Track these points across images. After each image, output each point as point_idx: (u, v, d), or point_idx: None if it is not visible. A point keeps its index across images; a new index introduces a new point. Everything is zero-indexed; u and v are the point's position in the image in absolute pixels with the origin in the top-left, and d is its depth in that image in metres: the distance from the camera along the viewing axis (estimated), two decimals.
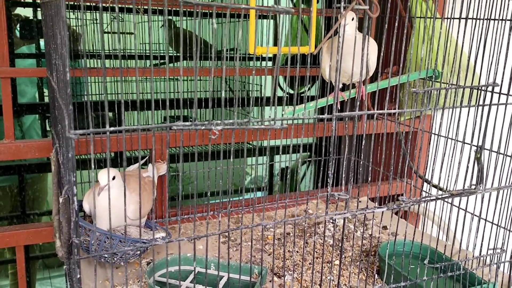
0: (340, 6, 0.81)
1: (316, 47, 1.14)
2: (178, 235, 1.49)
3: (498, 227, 1.23)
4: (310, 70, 1.81)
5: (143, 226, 1.40)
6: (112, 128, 0.72)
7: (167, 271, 1.24)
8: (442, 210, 1.31)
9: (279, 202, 1.83)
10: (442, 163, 1.12)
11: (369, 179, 1.18)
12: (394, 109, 1.91)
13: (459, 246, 1.49)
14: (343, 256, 1.44)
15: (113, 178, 1.20)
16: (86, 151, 1.34)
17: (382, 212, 1.07)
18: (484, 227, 1.21)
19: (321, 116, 0.87)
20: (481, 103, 1.05)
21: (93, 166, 0.72)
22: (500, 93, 1.17)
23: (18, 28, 2.59)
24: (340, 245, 1.51)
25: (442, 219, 1.79)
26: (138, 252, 1.25)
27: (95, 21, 2.47)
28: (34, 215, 2.22)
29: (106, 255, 1.21)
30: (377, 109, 1.88)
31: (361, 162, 1.67)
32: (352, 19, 1.27)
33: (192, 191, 2.73)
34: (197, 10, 0.74)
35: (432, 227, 1.91)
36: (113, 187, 1.18)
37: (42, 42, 2.73)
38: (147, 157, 1.57)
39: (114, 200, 0.94)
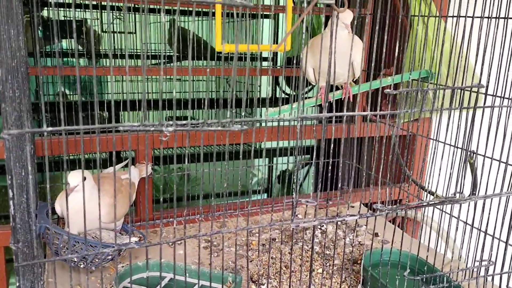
0: (304, 1, 0.76)
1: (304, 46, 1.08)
2: (159, 239, 1.45)
3: (488, 236, 1.17)
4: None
5: (120, 229, 1.36)
6: (50, 129, 0.68)
7: (130, 279, 1.20)
8: (441, 218, 1.24)
9: (268, 206, 1.78)
10: (432, 167, 1.05)
11: (348, 184, 1.12)
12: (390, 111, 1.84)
13: (451, 256, 1.42)
14: (328, 264, 1.38)
15: (84, 179, 1.16)
16: (58, 152, 1.31)
17: (375, 218, 1.01)
18: (477, 235, 1.14)
19: (286, 119, 0.82)
20: (473, 105, 0.99)
21: (45, 168, 0.68)
22: (491, 95, 1.10)
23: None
24: (327, 252, 1.46)
25: (441, 226, 1.72)
26: (110, 256, 1.21)
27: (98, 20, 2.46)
28: None
29: (75, 259, 1.18)
30: (371, 111, 1.81)
31: (354, 166, 1.61)
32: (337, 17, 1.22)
33: (198, 192, 2.68)
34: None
35: (430, 234, 1.84)
36: (84, 189, 1.14)
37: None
38: (127, 160, 1.53)
39: (85, 202, 0.90)
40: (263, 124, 1.55)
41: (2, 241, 1.50)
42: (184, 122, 0.76)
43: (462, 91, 1.01)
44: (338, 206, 0.98)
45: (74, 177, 1.15)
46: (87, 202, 1.12)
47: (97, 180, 1.20)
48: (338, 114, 0.83)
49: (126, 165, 1.56)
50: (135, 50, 2.63)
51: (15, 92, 0.75)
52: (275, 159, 2.46)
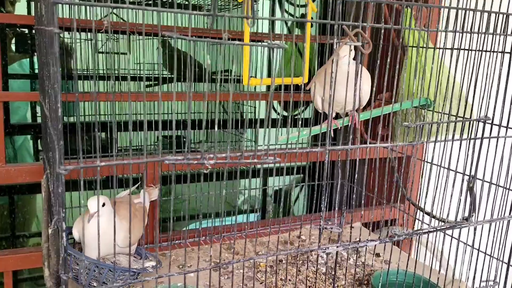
0: (334, 42, 0.82)
1: (309, 76, 1.14)
2: (168, 264, 1.47)
3: (491, 258, 1.23)
4: (304, 95, 1.82)
5: (134, 253, 1.38)
6: (103, 164, 0.71)
7: None
8: (436, 238, 1.30)
9: (272, 227, 1.82)
10: (434, 191, 1.11)
11: (357, 204, 1.18)
12: (387, 135, 1.92)
13: (452, 276, 1.49)
14: (336, 285, 1.43)
15: (103, 205, 1.19)
16: (76, 176, 1.32)
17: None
18: (477, 257, 1.20)
19: (314, 150, 0.87)
20: (473, 134, 1.06)
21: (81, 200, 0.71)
22: (492, 124, 1.18)
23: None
24: (332, 273, 1.50)
25: (435, 245, 1.79)
26: (128, 281, 1.23)
27: (88, 41, 2.46)
28: (23, 237, 2.20)
29: (95, 284, 1.19)
30: (370, 136, 1.89)
31: (354, 188, 1.67)
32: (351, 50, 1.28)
33: (184, 212, 2.70)
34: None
35: (426, 253, 1.90)
36: (103, 215, 1.16)
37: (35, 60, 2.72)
38: (139, 183, 1.56)
39: (104, 227, 0.92)
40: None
41: (10, 266, 1.50)
42: (223, 154, 0.80)
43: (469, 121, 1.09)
44: (340, 235, 1.03)
45: (94, 203, 1.17)
46: (106, 228, 1.15)
47: (113, 205, 1.22)
48: (363, 146, 0.89)
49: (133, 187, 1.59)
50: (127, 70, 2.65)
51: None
52: (270, 178, 2.51)
